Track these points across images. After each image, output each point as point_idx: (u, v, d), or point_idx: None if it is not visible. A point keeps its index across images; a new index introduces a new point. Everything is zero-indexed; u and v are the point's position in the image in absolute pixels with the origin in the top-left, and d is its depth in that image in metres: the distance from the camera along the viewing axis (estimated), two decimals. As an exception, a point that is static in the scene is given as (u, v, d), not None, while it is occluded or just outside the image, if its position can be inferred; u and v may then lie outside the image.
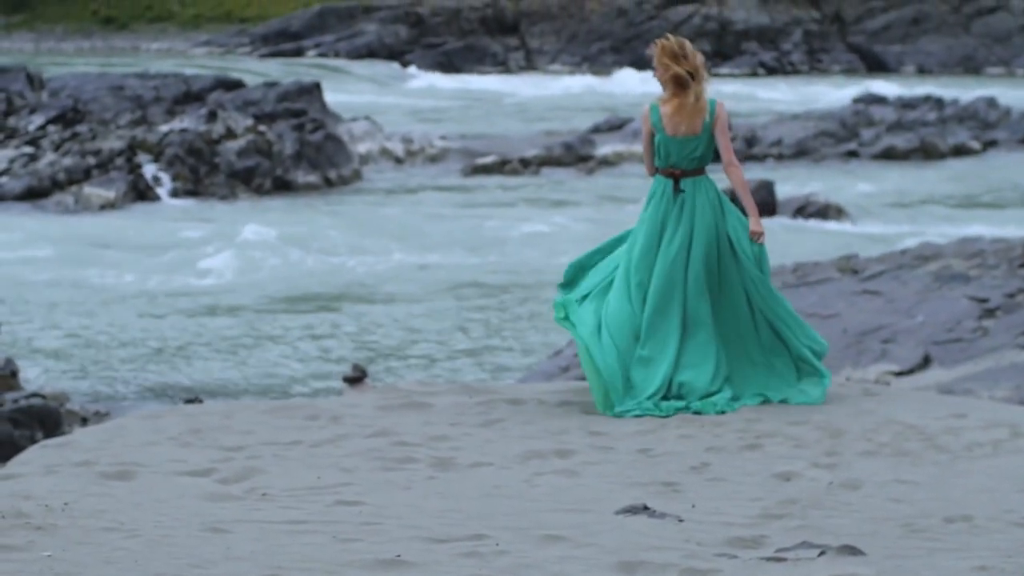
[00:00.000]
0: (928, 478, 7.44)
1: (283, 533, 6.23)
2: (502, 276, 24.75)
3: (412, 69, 68.27)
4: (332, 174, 34.61)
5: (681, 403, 8.82)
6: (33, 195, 31.37)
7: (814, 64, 71.71)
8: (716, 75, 66.54)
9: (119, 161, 32.30)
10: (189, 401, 15.58)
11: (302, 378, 18.70)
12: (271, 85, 41.89)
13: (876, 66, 70.75)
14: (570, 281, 9.34)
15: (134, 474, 7.25)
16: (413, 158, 38.64)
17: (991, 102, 43.87)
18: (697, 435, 8.31)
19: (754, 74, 69.14)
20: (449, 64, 71.05)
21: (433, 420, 8.64)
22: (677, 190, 9.00)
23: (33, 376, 18.28)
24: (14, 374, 16.86)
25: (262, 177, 33.47)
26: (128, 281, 24.00)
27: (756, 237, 8.99)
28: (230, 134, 34.30)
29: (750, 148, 38.77)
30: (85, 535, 6.10)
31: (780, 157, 38.94)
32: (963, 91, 49.36)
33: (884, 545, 6.17)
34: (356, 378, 13.80)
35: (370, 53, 72.12)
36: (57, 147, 33.32)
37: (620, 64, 67.45)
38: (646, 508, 6.67)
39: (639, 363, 8.90)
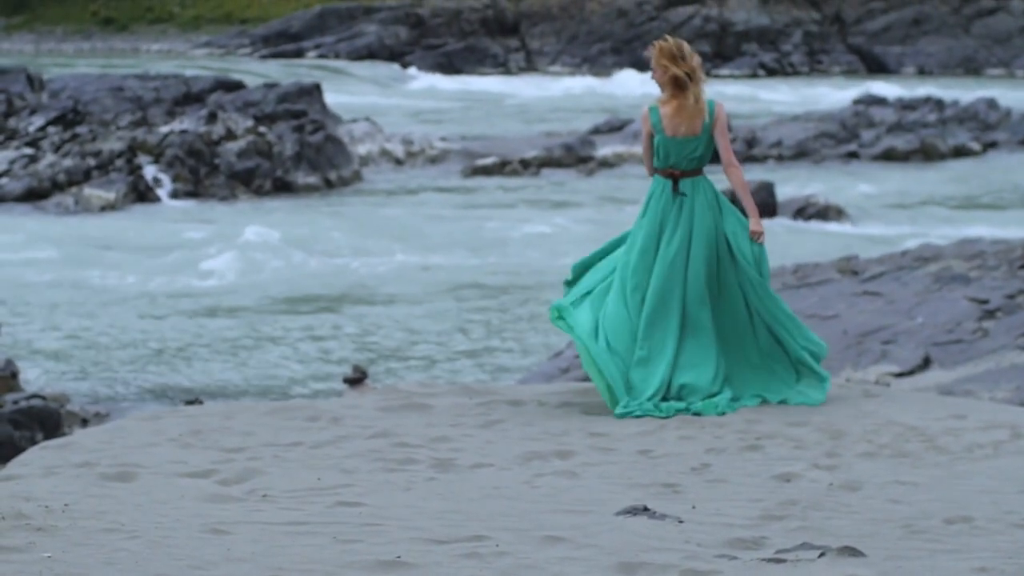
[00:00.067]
0: (928, 479, 7.44)
1: (283, 534, 6.23)
2: (502, 277, 24.75)
3: (412, 70, 68.27)
4: (332, 175, 34.61)
5: (681, 404, 8.82)
6: (33, 196, 31.38)
7: (814, 65, 71.71)
8: (716, 76, 66.82)
9: (119, 162, 32.30)
10: (189, 402, 15.59)
11: (302, 379, 18.70)
12: (271, 86, 41.88)
13: (876, 67, 70.75)
14: (575, 280, 9.37)
15: (134, 475, 7.25)
16: (413, 159, 38.64)
17: (991, 103, 43.87)
18: (697, 436, 8.32)
19: (754, 75, 69.14)
20: (449, 65, 71.06)
21: (434, 421, 8.64)
22: (676, 191, 9.01)
23: (33, 377, 18.28)
24: (14, 375, 16.86)
25: (262, 178, 33.47)
26: (128, 282, 24.00)
27: (756, 237, 9.00)
28: (230, 135, 34.30)
29: (750, 149, 38.77)
30: (85, 536, 6.10)
31: (780, 158, 38.94)
32: (963, 92, 49.36)
33: (884, 546, 6.18)
34: (356, 379, 13.80)
35: (370, 54, 72.12)
36: (57, 148, 33.32)
37: (620, 65, 67.44)
38: (646, 509, 6.67)
39: (637, 364, 8.91)
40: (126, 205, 31.15)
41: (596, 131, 41.65)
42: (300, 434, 8.26)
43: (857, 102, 44.77)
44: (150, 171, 32.80)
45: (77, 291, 23.36)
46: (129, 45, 79.07)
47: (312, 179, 34.10)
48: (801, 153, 39.23)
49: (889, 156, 39.15)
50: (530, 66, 72.43)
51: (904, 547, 6.19)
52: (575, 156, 38.19)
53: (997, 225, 29.38)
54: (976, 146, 40.45)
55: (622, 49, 70.45)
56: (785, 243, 25.35)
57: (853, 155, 39.29)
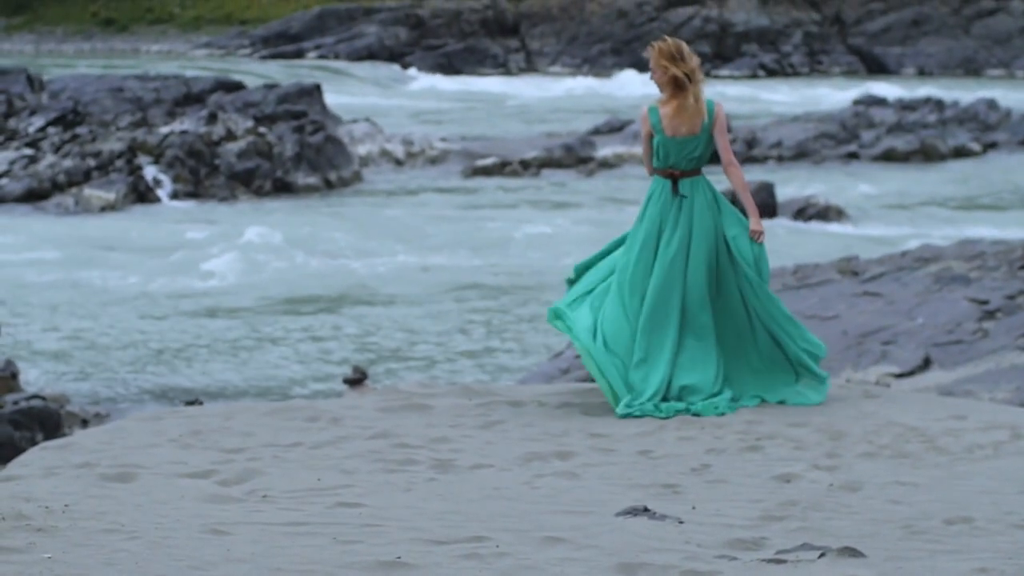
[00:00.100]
0: (928, 480, 7.44)
1: (283, 535, 6.23)
2: (503, 278, 24.75)
3: (412, 71, 68.27)
4: (332, 176, 34.61)
5: (681, 404, 8.83)
6: (33, 197, 31.38)
7: (814, 66, 71.72)
8: (716, 77, 66.80)
9: (119, 163, 32.31)
10: (189, 403, 15.57)
11: (302, 380, 18.70)
12: (271, 87, 41.89)
13: (876, 68, 70.75)
14: (577, 279, 9.39)
15: (134, 476, 7.25)
16: (413, 160, 38.64)
17: (991, 104, 43.88)
18: (697, 437, 8.32)
19: (754, 76, 69.14)
20: (449, 66, 71.06)
21: (433, 422, 8.64)
22: (676, 191, 9.01)
23: (33, 378, 18.28)
24: (14, 376, 16.86)
25: (262, 179, 33.47)
26: (128, 283, 24.00)
27: (757, 236, 9.01)
28: (230, 136, 34.31)
29: (750, 150, 38.77)
30: (85, 537, 6.10)
31: (780, 159, 38.94)
32: (963, 93, 49.37)
33: (884, 547, 6.17)
34: (356, 380, 13.80)
35: (370, 55, 72.11)
36: (57, 149, 33.32)
37: (620, 66, 67.44)
38: (646, 510, 6.67)
39: (636, 364, 8.91)
40: (126, 206, 31.15)
41: (596, 132, 41.65)
42: (300, 435, 8.26)
43: (857, 103, 44.77)
44: (150, 172, 32.80)
45: (77, 292, 23.36)
46: (129, 46, 79.07)
47: (312, 180, 34.11)
48: (801, 154, 39.23)
49: (889, 157, 39.16)
50: (530, 67, 72.44)
51: (904, 548, 6.19)
52: (575, 157, 38.19)
53: (997, 226, 29.40)
54: (976, 147, 40.46)
55: (622, 50, 70.46)
56: (785, 244, 25.35)
57: (853, 156, 39.29)
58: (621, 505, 6.80)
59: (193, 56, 74.27)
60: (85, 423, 15.89)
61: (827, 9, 73.78)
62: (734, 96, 53.38)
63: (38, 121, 36.29)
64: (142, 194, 31.84)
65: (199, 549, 5.96)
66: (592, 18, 73.66)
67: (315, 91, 40.76)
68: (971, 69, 70.17)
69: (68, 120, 36.47)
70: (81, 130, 34.92)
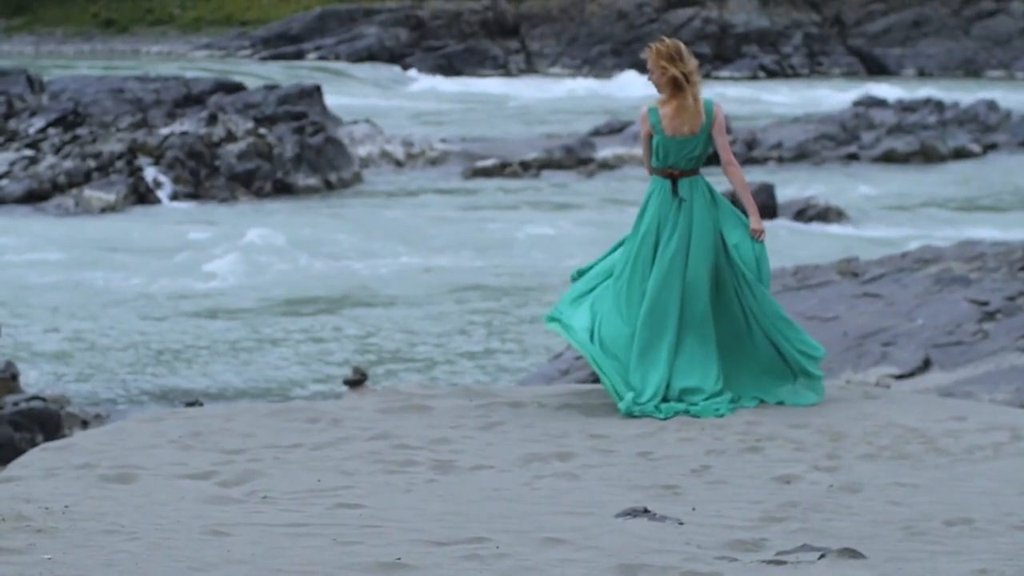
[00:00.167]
0: (928, 481, 7.44)
1: (283, 536, 6.23)
2: (503, 279, 24.76)
3: (412, 72, 68.27)
4: (332, 177, 34.62)
5: (681, 405, 8.83)
6: (33, 198, 31.39)
7: (814, 67, 71.73)
8: (716, 78, 66.76)
9: (119, 164, 32.31)
10: (189, 404, 15.57)
11: (302, 381, 18.70)
12: (271, 88, 41.90)
13: (876, 69, 70.76)
14: (580, 276, 9.41)
15: (135, 477, 7.25)
16: (413, 161, 38.65)
17: (991, 105, 43.89)
18: (697, 438, 8.32)
19: (754, 77, 69.15)
20: (449, 67, 71.07)
21: (434, 423, 8.64)
22: (675, 192, 9.01)
23: (34, 379, 18.28)
24: (15, 377, 16.86)
25: (262, 180, 33.48)
26: (129, 284, 24.00)
27: (757, 235, 9.02)
28: (230, 137, 34.31)
29: (750, 151, 38.77)
30: (85, 538, 6.10)
31: (780, 160, 38.94)
32: (963, 94, 49.38)
33: (884, 548, 6.18)
34: (357, 381, 13.79)
35: (370, 56, 72.12)
36: (57, 150, 33.33)
37: (620, 67, 67.46)
38: (646, 511, 6.67)
39: (635, 365, 8.91)
40: (126, 207, 31.16)
41: (596, 133, 41.66)
42: (300, 436, 8.26)
43: (857, 104, 44.78)
44: (150, 173, 32.81)
45: (77, 293, 23.36)
46: (129, 47, 79.08)
47: (312, 181, 34.11)
48: (801, 155, 39.24)
49: (889, 158, 39.16)
50: (530, 68, 72.45)
51: (904, 549, 6.19)
52: (575, 158, 38.20)
53: (997, 227, 29.40)
54: (976, 148, 40.47)
55: (622, 51, 70.46)
56: (785, 245, 25.36)
57: (853, 157, 39.30)
58: (621, 506, 6.80)
59: (193, 57, 74.28)
60: (85, 424, 15.90)
61: (827, 10, 73.79)
62: (734, 97, 53.38)
63: (38, 122, 36.30)
64: (142, 195, 31.85)
65: (199, 550, 5.96)
66: (592, 19, 73.68)
67: (315, 92, 40.77)
68: (971, 70, 70.18)
69: (68, 121, 36.47)
70: (81, 131, 34.93)
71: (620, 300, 9.05)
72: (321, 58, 72.41)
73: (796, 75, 69.98)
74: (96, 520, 6.39)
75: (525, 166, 37.40)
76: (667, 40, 9.00)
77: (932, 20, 72.55)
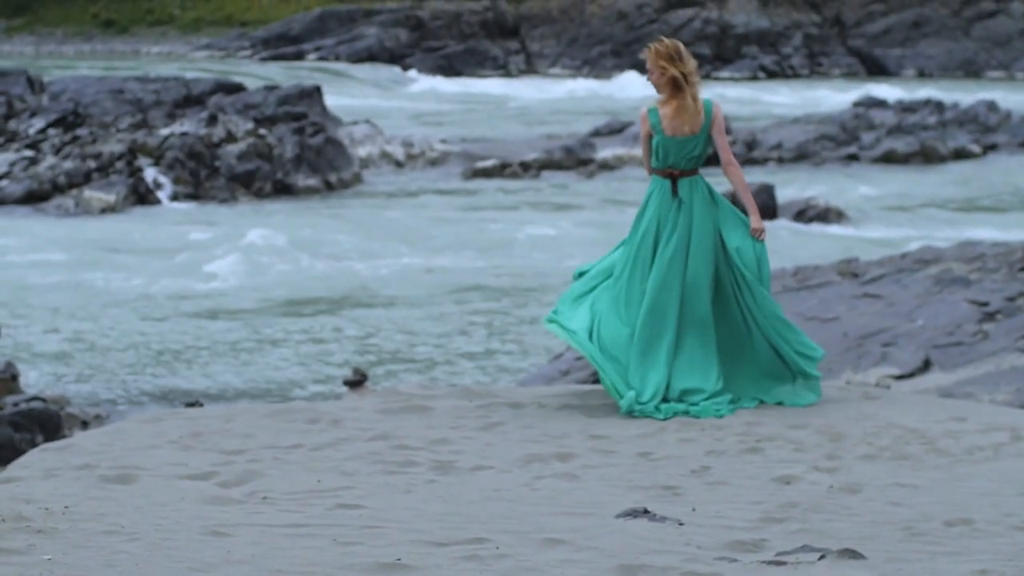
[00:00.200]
0: (928, 482, 7.44)
1: (283, 537, 6.23)
2: (503, 279, 24.76)
3: (412, 73, 68.28)
4: (332, 177, 34.62)
5: (681, 406, 8.83)
6: (33, 198, 31.39)
7: (814, 68, 71.74)
8: (716, 79, 66.74)
9: (119, 164, 32.31)
10: (189, 405, 15.58)
11: (302, 381, 18.70)
12: (271, 89, 41.90)
13: (876, 70, 70.77)
14: (581, 275, 9.42)
15: (135, 478, 7.25)
16: (413, 162, 38.65)
17: (991, 106, 43.90)
18: (698, 439, 8.32)
19: (754, 78, 69.15)
20: (449, 68, 71.08)
21: (434, 424, 8.64)
22: (675, 192, 9.02)
23: (34, 379, 18.28)
24: (15, 377, 16.86)
25: (262, 180, 33.48)
26: (129, 285, 24.00)
27: (758, 234, 9.02)
28: (230, 137, 34.31)
29: (750, 152, 38.78)
30: (85, 539, 6.10)
31: (780, 161, 38.94)
32: (963, 95, 49.39)
33: (884, 549, 6.18)
34: (357, 382, 13.79)
35: (370, 57, 72.13)
36: (57, 150, 33.33)
37: (620, 68, 67.47)
38: (646, 512, 6.67)
39: (635, 366, 8.92)
40: (126, 207, 31.16)
41: (596, 133, 41.66)
42: (300, 436, 8.26)
43: (857, 104, 44.78)
44: (150, 173, 32.81)
45: (77, 293, 23.36)
46: (129, 47, 79.10)
47: (312, 181, 34.11)
48: (801, 155, 39.24)
49: (889, 158, 39.17)
50: (530, 68, 72.46)
51: (904, 549, 6.19)
52: (575, 158, 38.20)
53: (997, 227, 29.41)
54: (976, 148, 40.47)
55: (622, 52, 70.46)
56: (785, 245, 25.36)
57: (853, 157, 39.30)
58: (621, 507, 6.80)
59: (193, 58, 74.29)
60: (85, 425, 15.90)
61: (827, 11, 73.79)
62: (734, 98, 53.37)
63: (38, 123, 36.30)
64: (142, 196, 31.85)
65: (199, 551, 5.96)
66: (592, 20, 73.68)
67: (315, 93, 40.77)
68: (971, 71, 70.20)
69: (68, 122, 36.48)
70: (81, 132, 34.93)
71: (619, 301, 9.05)
72: (321, 59, 72.42)
73: (796, 76, 69.98)
74: (96, 521, 6.39)
75: (525, 167, 37.41)
76: (666, 40, 9.01)
77: (932, 21, 72.56)
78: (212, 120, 35.01)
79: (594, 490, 7.22)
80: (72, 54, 76.83)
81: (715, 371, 8.94)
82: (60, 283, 24.04)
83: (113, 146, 33.26)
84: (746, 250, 9.01)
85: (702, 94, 9.01)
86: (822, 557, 5.91)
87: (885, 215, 31.33)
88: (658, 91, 9.02)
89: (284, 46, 74.75)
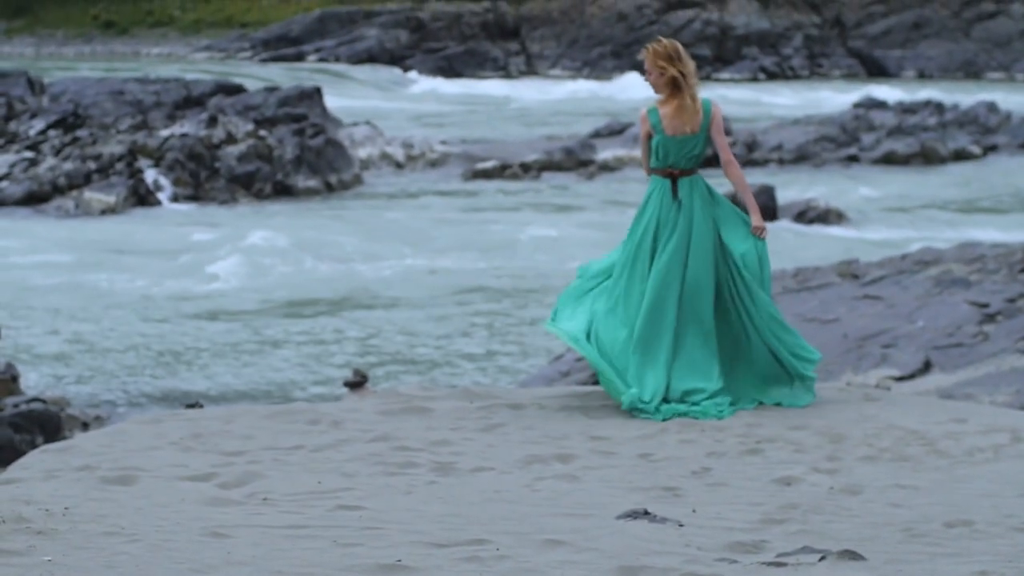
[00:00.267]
0: (929, 483, 7.44)
1: (284, 538, 6.23)
2: (504, 281, 24.76)
3: (413, 74, 68.30)
4: (333, 179, 34.62)
5: (681, 407, 8.83)
6: (34, 200, 31.39)
7: (815, 69, 71.75)
8: (717, 80, 66.72)
9: (120, 166, 32.32)
10: (190, 406, 15.58)
11: (303, 383, 18.70)
12: (272, 90, 41.91)
13: (877, 71, 70.79)
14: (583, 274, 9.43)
15: (135, 479, 7.25)
16: (414, 163, 38.66)
17: (991, 107, 43.91)
18: (698, 440, 8.31)
19: (755, 79, 69.15)
20: (450, 69, 71.11)
21: (434, 425, 8.64)
22: (675, 193, 9.02)
23: (34, 381, 18.28)
24: (15, 379, 16.86)
25: (263, 182, 33.48)
26: (129, 286, 24.01)
27: (760, 232, 9.03)
28: (231, 139, 34.31)
29: (751, 153, 38.78)
30: (86, 540, 6.10)
31: (781, 162, 38.95)
32: (964, 96, 49.40)
33: (885, 550, 6.18)
34: (357, 383, 13.79)
35: (371, 58, 72.15)
36: (58, 152, 33.33)
37: (621, 69, 67.49)
38: (647, 513, 6.67)
39: (634, 366, 8.92)
40: (126, 209, 31.16)
41: (596, 135, 41.67)
42: (300, 438, 8.26)
43: (857, 106, 44.79)
44: (150, 175, 32.81)
45: (78, 295, 23.37)
46: (130, 49, 79.12)
47: (312, 183, 34.12)
48: (801, 157, 39.24)
49: (889, 160, 39.17)
50: (530, 70, 72.49)
51: (904, 551, 6.19)
52: (575, 160, 38.20)
53: (997, 229, 29.41)
54: (976, 150, 40.47)
55: (622, 53, 70.48)
56: (786, 247, 25.36)
57: (853, 159, 39.30)
58: (621, 508, 6.80)
59: (193, 59, 74.31)
60: (85, 426, 15.90)
61: (827, 12, 73.80)
62: (734, 99, 53.39)
63: (38, 124, 36.31)
64: (142, 197, 31.85)
65: (199, 552, 5.96)
66: (592, 21, 73.69)
67: (315, 94, 40.78)
68: (971, 72, 70.21)
69: (68, 123, 36.48)
70: (81, 133, 34.94)
71: (618, 302, 9.06)
72: (321, 60, 72.44)
73: (796, 77, 70.00)
74: (96, 522, 6.39)
75: (525, 168, 37.41)
76: (664, 40, 9.01)
77: (932, 22, 72.57)
78: (212, 121, 35.02)
79: (594, 491, 7.22)
80: (72, 55, 76.85)
81: (716, 371, 8.94)
82: (60, 284, 24.04)
83: (113, 147, 33.27)
84: (747, 250, 9.01)
85: (701, 94, 9.02)
86: (822, 558, 5.91)
87: (885, 216, 31.33)
88: (657, 91, 9.03)
89: (284, 47, 74.78)
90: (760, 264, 9.03)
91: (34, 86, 41.86)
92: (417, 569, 5.78)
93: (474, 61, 72.73)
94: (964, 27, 72.39)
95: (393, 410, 8.93)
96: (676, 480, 7.48)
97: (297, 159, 34.19)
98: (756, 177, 33.39)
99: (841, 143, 40.27)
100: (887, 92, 51.94)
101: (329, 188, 34.35)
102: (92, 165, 32.22)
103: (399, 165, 38.41)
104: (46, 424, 15.34)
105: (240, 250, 26.10)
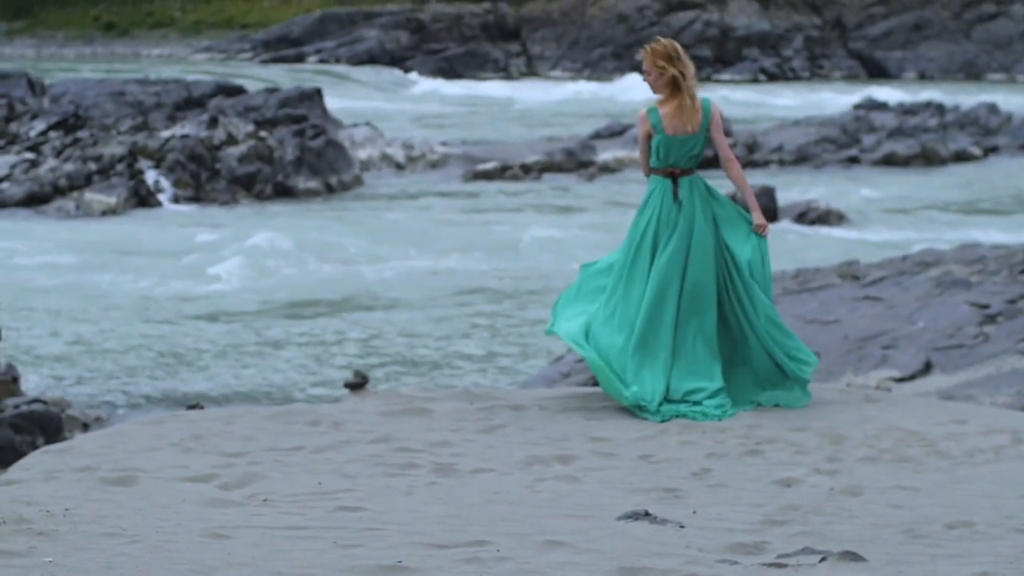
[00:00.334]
0: (929, 484, 7.44)
1: (284, 539, 6.23)
2: (505, 282, 24.76)
3: (414, 75, 68.31)
4: (333, 180, 34.63)
5: (684, 407, 8.82)
6: (34, 201, 31.40)
7: (815, 70, 71.75)
8: (717, 81, 66.68)
9: (120, 167, 32.32)
10: (190, 407, 15.58)
11: (303, 384, 18.70)
12: (272, 91, 41.92)
13: (877, 72, 70.78)
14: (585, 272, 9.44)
15: (135, 480, 7.24)
16: (414, 164, 38.66)
17: (992, 108, 43.92)
18: (698, 441, 8.31)
19: (755, 80, 69.15)
20: (450, 70, 71.12)
21: (434, 426, 8.63)
22: (675, 194, 9.02)
23: (34, 382, 18.28)
24: (15, 380, 16.86)
25: (263, 183, 33.48)
26: (129, 287, 24.01)
27: (761, 230, 9.03)
28: (231, 140, 34.32)
29: (751, 154, 38.78)
30: (86, 541, 6.10)
31: (781, 163, 38.95)
32: (964, 97, 49.41)
33: (885, 551, 6.17)
34: (357, 384, 13.79)
35: (371, 59, 72.16)
36: (58, 153, 33.34)
37: (621, 70, 67.51)
38: (647, 514, 6.67)
39: (634, 366, 8.91)
40: (127, 210, 31.17)
41: (597, 136, 41.67)
42: (301, 439, 8.26)
43: (858, 107, 44.79)
44: (151, 176, 32.82)
45: (78, 296, 23.37)
46: (130, 50, 79.13)
47: (313, 184, 34.12)
48: (802, 158, 39.25)
49: (890, 161, 39.17)
50: (531, 71, 72.49)
51: (905, 552, 6.19)
52: (576, 161, 38.20)
53: (998, 230, 29.41)
54: (977, 151, 40.48)
55: (623, 54, 70.48)
56: (786, 248, 25.36)
57: (854, 160, 39.30)
58: (622, 509, 6.80)
59: (194, 60, 74.31)
60: (86, 427, 15.90)
61: (828, 13, 73.79)
62: (735, 100, 53.39)
63: (39, 125, 36.31)
64: (143, 198, 31.86)
65: (200, 553, 5.96)
66: (593, 22, 73.69)
67: (316, 95, 40.79)
68: (972, 73, 70.22)
69: (69, 124, 36.49)
70: (82, 134, 34.94)
71: (616, 305, 9.05)
72: (322, 61, 72.46)
73: (797, 78, 70.00)
74: (97, 523, 6.39)
75: (526, 169, 37.41)
76: (663, 40, 9.01)
77: (933, 23, 72.57)
78: (213, 122, 35.02)
79: (595, 492, 7.22)
80: (73, 57, 76.87)
81: (717, 370, 8.94)
82: (61, 285, 24.04)
83: (114, 148, 33.27)
84: (748, 250, 9.00)
85: (699, 95, 9.02)
86: (823, 559, 5.91)
87: (886, 217, 31.33)
88: (655, 91, 9.03)
89: (285, 48, 74.79)
90: (762, 263, 9.03)
91: (35, 87, 41.87)
92: (417, 570, 5.78)
93: (475, 62, 72.73)
94: (965, 28, 72.39)
95: (394, 411, 8.93)
96: (677, 481, 7.48)
97: (297, 160, 34.20)
98: (757, 178, 33.39)
99: (842, 144, 40.27)
100: (888, 93, 51.95)
101: (329, 189, 34.36)
102: (93, 166, 32.22)
103: (399, 166, 38.42)
104: (47, 425, 15.35)
105: (240, 251, 26.10)
